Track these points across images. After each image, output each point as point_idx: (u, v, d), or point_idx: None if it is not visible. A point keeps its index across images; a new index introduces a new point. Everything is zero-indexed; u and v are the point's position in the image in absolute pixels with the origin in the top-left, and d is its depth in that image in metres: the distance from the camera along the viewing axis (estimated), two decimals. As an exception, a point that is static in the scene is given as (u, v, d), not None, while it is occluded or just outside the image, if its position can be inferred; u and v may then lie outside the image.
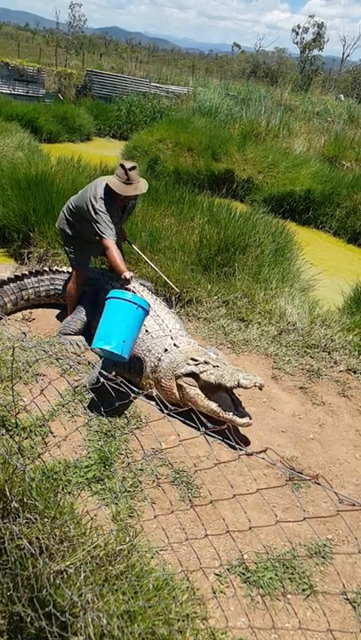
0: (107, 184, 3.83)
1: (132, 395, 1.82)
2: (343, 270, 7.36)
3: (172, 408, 1.78)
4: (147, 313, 3.44)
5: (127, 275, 3.75)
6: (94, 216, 3.80)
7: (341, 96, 23.94)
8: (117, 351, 3.21)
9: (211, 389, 3.43)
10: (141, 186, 3.88)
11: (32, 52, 27.58)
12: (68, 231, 4.15)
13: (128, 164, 3.78)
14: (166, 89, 19.23)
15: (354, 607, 2.38)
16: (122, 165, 3.78)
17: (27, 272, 4.59)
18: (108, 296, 3.44)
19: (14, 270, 5.48)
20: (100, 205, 3.79)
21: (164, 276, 4.64)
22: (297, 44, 40.27)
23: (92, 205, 3.81)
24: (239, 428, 3.41)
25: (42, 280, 4.62)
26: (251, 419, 3.35)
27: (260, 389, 3.27)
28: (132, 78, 20.28)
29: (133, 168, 3.80)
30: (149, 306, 3.48)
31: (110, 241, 3.78)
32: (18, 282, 4.53)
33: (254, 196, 10.09)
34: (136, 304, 3.33)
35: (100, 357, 3.52)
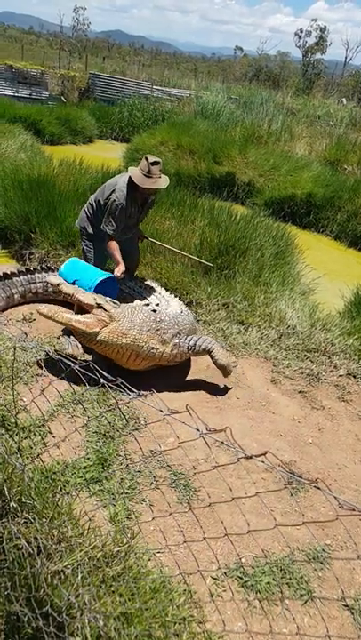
0: (129, 176, 3.90)
1: (132, 396, 1.82)
2: (344, 274, 7.36)
3: (170, 409, 1.77)
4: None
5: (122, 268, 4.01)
6: (108, 205, 3.90)
7: (344, 100, 23.95)
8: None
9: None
10: (161, 182, 3.93)
11: (36, 54, 27.72)
12: (90, 229, 4.20)
13: (152, 159, 3.83)
14: (168, 92, 19.30)
15: (352, 613, 2.37)
16: (146, 158, 3.84)
17: (38, 267, 4.71)
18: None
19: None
20: (118, 196, 3.87)
21: (193, 257, 4.85)
22: (299, 47, 40.26)
23: (110, 195, 3.91)
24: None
25: None
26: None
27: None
28: (135, 81, 20.38)
29: (156, 163, 3.84)
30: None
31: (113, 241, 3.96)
32: (28, 275, 4.64)
33: (255, 199, 10.10)
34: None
35: None
